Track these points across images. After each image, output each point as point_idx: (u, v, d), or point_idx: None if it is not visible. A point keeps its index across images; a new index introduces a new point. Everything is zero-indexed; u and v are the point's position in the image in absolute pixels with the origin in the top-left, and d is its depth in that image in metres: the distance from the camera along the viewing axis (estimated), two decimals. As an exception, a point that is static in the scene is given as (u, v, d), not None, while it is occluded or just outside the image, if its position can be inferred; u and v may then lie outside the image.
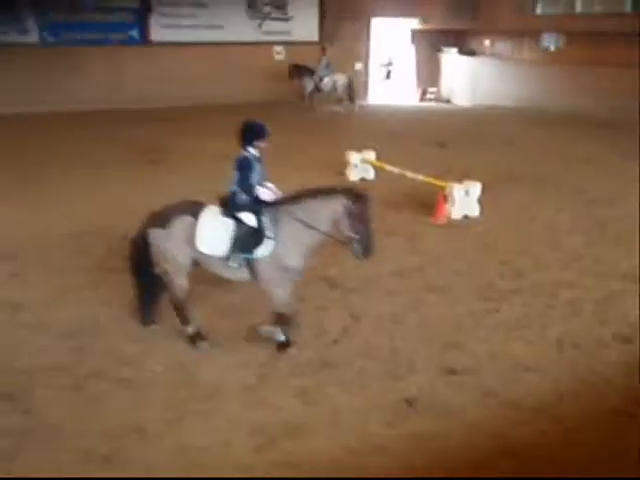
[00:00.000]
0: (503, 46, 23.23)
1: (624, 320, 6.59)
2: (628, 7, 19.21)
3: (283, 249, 5.58)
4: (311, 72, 20.55)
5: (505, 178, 12.10)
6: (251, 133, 5.74)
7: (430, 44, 25.15)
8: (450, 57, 24.88)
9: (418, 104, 24.28)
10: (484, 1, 22.25)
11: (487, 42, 23.76)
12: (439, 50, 25.19)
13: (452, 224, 9.57)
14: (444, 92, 25.23)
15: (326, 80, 20.38)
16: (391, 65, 26.80)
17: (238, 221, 5.65)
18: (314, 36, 23.58)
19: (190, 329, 5.99)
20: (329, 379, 5.48)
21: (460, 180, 10.13)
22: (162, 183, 11.24)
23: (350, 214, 5.34)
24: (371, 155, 12.01)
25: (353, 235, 5.41)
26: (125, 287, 6.45)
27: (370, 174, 12.06)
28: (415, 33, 25.06)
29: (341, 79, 20.32)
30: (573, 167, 13.11)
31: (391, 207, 10.30)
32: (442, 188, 9.80)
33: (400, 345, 6.03)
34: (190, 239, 5.66)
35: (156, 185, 11.13)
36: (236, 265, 5.68)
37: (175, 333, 6.09)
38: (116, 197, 10.62)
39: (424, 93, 25.16)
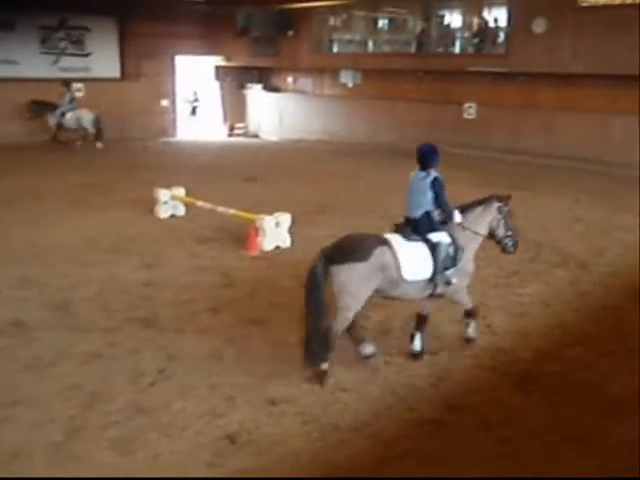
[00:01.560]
0: (305, 82, 24.26)
1: (430, 334, 6.93)
2: (413, 49, 21.01)
3: (465, 258, 6.21)
4: (53, 107, 19.57)
5: (314, 208, 12.51)
6: (436, 154, 6.13)
7: (235, 80, 25.61)
8: (255, 93, 25.49)
9: (227, 139, 24.51)
10: (285, 40, 23.10)
11: (290, 79, 24.68)
12: (244, 86, 25.70)
13: (265, 256, 9.67)
14: (252, 127, 25.76)
15: (69, 116, 19.52)
16: (196, 101, 26.87)
17: (428, 242, 6.00)
18: (115, 72, 23.03)
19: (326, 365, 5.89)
20: (147, 424, 5.21)
21: (270, 212, 10.30)
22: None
23: (504, 215, 6.35)
24: (181, 191, 11.85)
25: (507, 233, 6.42)
26: None
27: (180, 211, 11.88)
28: (219, 70, 25.39)
29: (87, 115, 19.59)
30: (377, 194, 13.89)
31: (203, 243, 10.22)
32: (253, 221, 9.89)
33: (219, 381, 5.91)
34: (385, 269, 5.80)
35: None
36: (441, 284, 6.08)
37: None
38: None
39: (232, 128, 25.49)
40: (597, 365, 6.36)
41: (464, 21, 20.88)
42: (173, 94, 24.77)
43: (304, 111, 24.10)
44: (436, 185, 6.06)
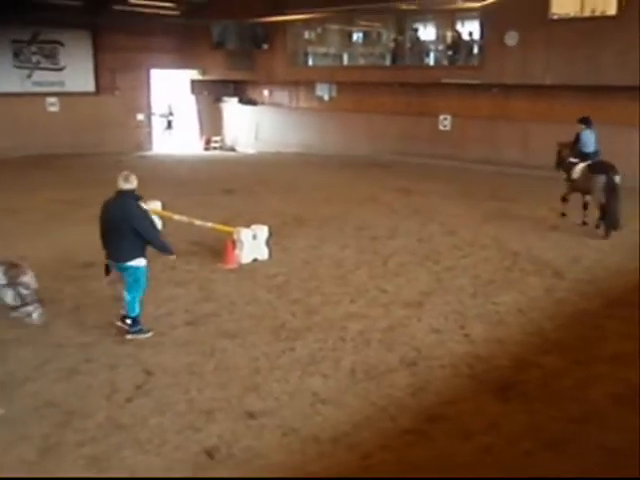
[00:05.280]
0: (281, 95, 24.33)
1: (408, 344, 7.03)
2: (388, 61, 21.20)
3: None
4: None
5: (292, 220, 12.52)
6: None
7: (211, 94, 25.62)
8: (231, 106, 25.50)
9: (203, 153, 24.46)
10: (260, 54, 23.18)
11: (266, 92, 24.74)
12: (220, 100, 25.70)
13: (243, 268, 9.62)
14: (228, 140, 25.75)
15: None
16: (171, 115, 26.82)
17: None
18: (90, 86, 22.91)
19: None
20: (123, 441, 5.14)
21: (248, 225, 10.27)
22: None
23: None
24: (157, 205, 11.76)
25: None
26: None
27: (157, 225, 11.77)
28: (195, 83, 25.37)
29: None
30: (354, 206, 13.94)
31: (181, 256, 10.11)
32: (230, 234, 9.85)
33: (197, 395, 5.85)
34: None
35: None
36: None
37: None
38: None
39: (208, 142, 25.47)
40: (574, 372, 6.41)
41: (438, 34, 21.13)
42: (148, 108, 24.70)
43: (280, 124, 24.15)
44: None
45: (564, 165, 12.36)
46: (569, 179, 12.13)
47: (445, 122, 20.12)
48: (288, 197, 14.93)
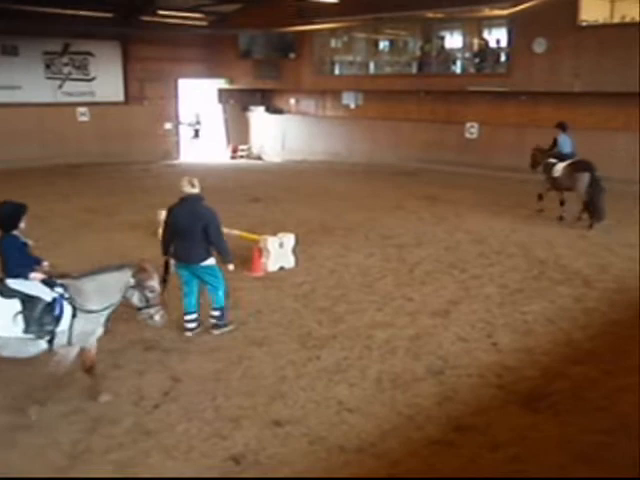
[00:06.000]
0: (307, 104, 24.40)
1: (435, 354, 6.98)
2: (415, 69, 21.18)
3: None
4: None
5: (318, 228, 12.53)
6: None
7: (238, 103, 25.79)
8: (258, 115, 25.64)
9: (230, 161, 24.61)
10: (287, 63, 23.31)
11: (292, 101, 24.83)
12: (246, 109, 25.86)
13: (269, 276, 9.65)
14: (255, 149, 25.88)
15: None
16: (198, 124, 27.04)
17: None
18: (119, 96, 23.22)
19: None
20: (151, 447, 5.18)
21: (274, 233, 10.30)
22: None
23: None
24: (185, 213, 11.83)
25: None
26: None
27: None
28: (222, 92, 25.57)
29: None
30: (380, 214, 13.91)
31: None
32: (257, 242, 9.89)
33: (223, 402, 5.88)
34: None
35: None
36: None
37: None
38: None
39: (235, 150, 25.61)
40: (604, 382, 6.31)
41: (464, 42, 21.03)
42: (176, 117, 24.96)
43: (307, 132, 24.22)
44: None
45: (545, 166, 13.22)
46: (550, 178, 13.03)
47: (472, 130, 20.01)
48: (314, 205, 14.95)
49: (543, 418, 5.66)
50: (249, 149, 25.92)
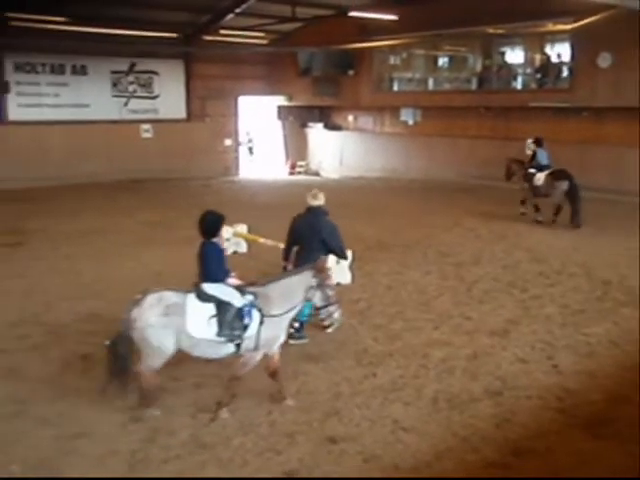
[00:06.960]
0: (366, 121, 24.45)
1: (493, 374, 6.85)
2: (474, 86, 20.99)
3: None
4: None
5: (375, 245, 12.51)
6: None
7: (296, 119, 26.05)
8: (316, 132, 25.82)
9: (288, 177, 24.83)
10: (346, 80, 23.44)
11: (350, 117, 24.93)
12: (305, 125, 26.08)
13: (326, 292, 9.64)
14: (313, 165, 26.04)
15: None
16: (250, 142, 27.36)
17: None
18: (182, 113, 23.79)
19: None
20: (207, 460, 5.24)
21: (331, 249, 10.30)
22: (23, 266, 10.64)
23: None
24: (243, 228, 12.00)
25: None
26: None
27: (243, 247, 11.99)
28: (281, 109, 25.89)
29: None
30: (437, 231, 13.78)
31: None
32: (314, 257, 9.91)
33: (279, 418, 5.90)
34: None
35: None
36: None
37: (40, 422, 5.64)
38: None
39: (293, 166, 25.84)
40: (672, 409, 6.06)
41: (526, 57, 20.73)
42: (236, 134, 25.39)
43: (364, 149, 24.25)
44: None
45: (526, 176, 14.78)
46: (531, 186, 14.62)
47: (532, 146, 19.61)
48: (371, 221, 14.93)
49: (607, 445, 5.47)
50: (307, 165, 26.12)
